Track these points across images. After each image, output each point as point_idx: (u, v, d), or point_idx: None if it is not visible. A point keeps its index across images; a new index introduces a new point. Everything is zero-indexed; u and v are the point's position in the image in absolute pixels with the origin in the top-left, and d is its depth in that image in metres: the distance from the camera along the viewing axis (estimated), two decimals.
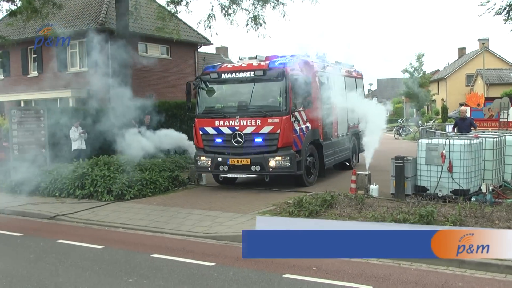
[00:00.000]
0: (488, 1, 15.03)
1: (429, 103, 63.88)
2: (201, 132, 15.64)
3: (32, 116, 18.75)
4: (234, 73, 15.39)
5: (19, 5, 19.33)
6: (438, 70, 78.57)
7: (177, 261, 9.16)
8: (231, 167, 15.16)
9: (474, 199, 12.07)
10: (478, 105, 23.30)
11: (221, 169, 15.38)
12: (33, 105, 29.25)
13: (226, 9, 20.16)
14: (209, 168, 15.61)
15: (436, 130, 23.09)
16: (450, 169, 12.40)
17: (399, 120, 50.13)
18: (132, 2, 21.82)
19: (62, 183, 15.85)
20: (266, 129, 14.86)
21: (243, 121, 14.99)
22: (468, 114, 20.06)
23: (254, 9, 20.27)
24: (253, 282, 7.93)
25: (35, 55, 33.00)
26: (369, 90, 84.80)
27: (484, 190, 12.68)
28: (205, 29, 20.70)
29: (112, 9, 28.10)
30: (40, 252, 10.20)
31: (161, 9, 21.85)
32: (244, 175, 15.83)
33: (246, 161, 14.92)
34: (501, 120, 21.96)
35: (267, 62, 15.43)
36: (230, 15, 20.25)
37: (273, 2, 19.90)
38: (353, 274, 8.22)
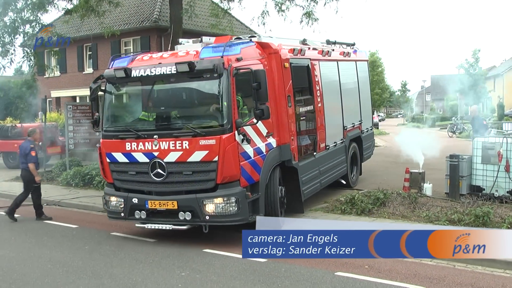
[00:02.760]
0: None
1: (484, 100, 62.11)
2: (108, 160, 10.33)
3: (87, 111, 19.19)
4: (149, 69, 9.83)
5: (75, 3, 19.79)
6: (494, 66, 76.27)
7: (228, 256, 9.21)
8: (151, 213, 10.06)
9: None
10: None
11: (137, 216, 10.12)
12: (88, 101, 29.97)
13: (279, 5, 20.09)
14: (122, 214, 10.33)
15: (492, 128, 22.44)
16: (507, 169, 12.00)
17: (453, 118, 48.95)
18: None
19: None
20: (198, 156, 9.47)
21: (165, 143, 9.65)
22: (477, 113, 18.34)
23: (308, 5, 20.12)
24: (305, 279, 7.89)
25: (91, 52, 33.89)
26: (422, 86, 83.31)
27: None
28: (258, 25, 20.73)
29: (166, 7, 28.48)
30: (95, 243, 10.47)
31: (215, 6, 21.99)
32: (167, 227, 9.95)
33: (171, 204, 9.76)
34: None
35: (199, 50, 10.20)
36: (284, 11, 20.14)
37: None
38: (406, 274, 8.06)
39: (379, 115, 66.96)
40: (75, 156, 20.94)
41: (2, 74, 22.61)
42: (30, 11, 19.70)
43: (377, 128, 40.89)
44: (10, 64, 21.68)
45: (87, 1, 18.62)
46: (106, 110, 10.65)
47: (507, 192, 12.03)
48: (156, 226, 10.04)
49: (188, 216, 9.70)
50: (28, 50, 20.80)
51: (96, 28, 27.89)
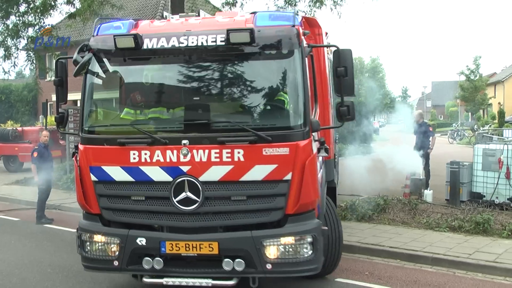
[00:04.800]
0: None
1: (485, 107, 62.19)
2: (94, 178, 6.70)
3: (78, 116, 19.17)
4: (177, 39, 6.45)
5: (78, 7, 19.85)
6: (495, 73, 76.38)
7: None
8: (171, 260, 6.59)
9: None
10: None
11: (146, 266, 6.55)
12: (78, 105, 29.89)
13: (282, 10, 20.14)
14: (116, 262, 6.68)
15: (493, 135, 22.43)
16: (508, 176, 12.01)
17: (454, 124, 49.01)
18: (188, 4, 22.08)
19: None
20: (259, 173, 6.26)
21: (201, 152, 6.30)
22: (421, 119, 15.71)
23: (310, 11, 20.16)
24: (304, 286, 7.88)
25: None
26: (423, 93, 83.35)
27: None
28: None
29: (167, 10, 28.59)
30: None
31: (216, 10, 22.04)
32: (202, 283, 6.47)
33: (208, 246, 6.37)
34: None
35: (250, 17, 6.75)
36: None
37: (331, 2, 19.66)
38: (407, 281, 8.05)
39: (379, 121, 67.06)
40: None
41: (3, 77, 22.69)
42: (33, 14, 19.75)
43: (377, 134, 40.91)
44: (14, 67, 21.73)
45: (90, 4, 18.68)
46: (89, 100, 6.89)
47: (508, 199, 12.03)
48: (182, 282, 6.52)
49: (238, 265, 6.28)
50: (32, 53, 20.85)
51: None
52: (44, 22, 20.12)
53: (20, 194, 17.02)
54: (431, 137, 15.11)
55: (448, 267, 8.61)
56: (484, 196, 12.42)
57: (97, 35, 6.89)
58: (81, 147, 6.78)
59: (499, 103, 58.59)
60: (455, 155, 16.78)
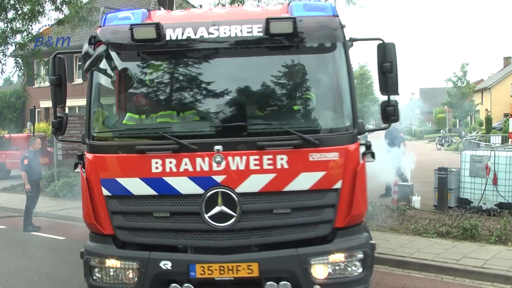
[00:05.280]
0: None
1: (472, 113, 62.70)
2: (106, 192, 5.64)
3: (76, 122, 19.15)
4: (206, 29, 5.57)
5: (66, 14, 19.80)
6: (482, 80, 77.06)
7: None
8: (201, 285, 5.59)
9: None
10: None
11: None
12: (77, 111, 29.92)
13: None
14: None
15: (480, 141, 22.60)
16: (495, 182, 12.08)
17: (441, 131, 49.32)
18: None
19: None
20: (305, 181, 5.49)
21: (238, 159, 5.41)
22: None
23: None
24: None
25: (80, 63, 33.85)
26: (410, 99, 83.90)
27: None
28: None
29: None
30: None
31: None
32: None
33: (246, 268, 5.45)
34: None
35: (283, 7, 6.18)
36: None
37: None
38: (395, 287, 8.07)
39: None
40: (63, 167, 20.85)
41: None
42: (21, 21, 19.68)
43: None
44: (1, 74, 21.64)
45: (77, 11, 18.66)
46: (97, 102, 5.87)
47: (495, 205, 12.10)
48: None
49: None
50: (19, 60, 20.75)
51: (86, 39, 27.87)
52: (32, 29, 20.07)
53: (7, 202, 16.91)
54: (402, 143, 15.26)
55: (436, 273, 8.63)
56: (472, 202, 12.48)
57: (104, 25, 5.84)
58: (89, 156, 5.66)
59: (486, 109, 59.16)
60: (443, 161, 16.86)
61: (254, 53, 5.76)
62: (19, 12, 19.58)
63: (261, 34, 5.45)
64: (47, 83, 34.47)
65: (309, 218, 5.50)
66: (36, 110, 32.67)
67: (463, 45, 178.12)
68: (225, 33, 5.52)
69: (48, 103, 35.94)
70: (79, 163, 5.96)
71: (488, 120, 44.57)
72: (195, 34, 5.53)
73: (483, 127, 46.58)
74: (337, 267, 5.50)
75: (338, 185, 5.46)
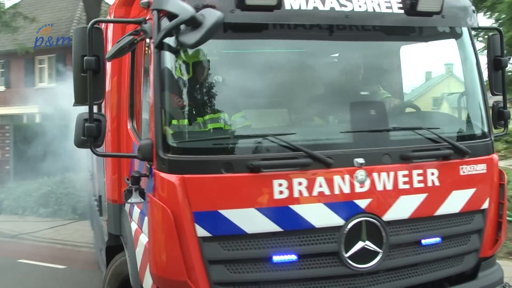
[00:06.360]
0: None
1: None
2: (204, 233, 3.77)
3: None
4: (333, 2, 4.00)
5: None
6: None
7: None
8: None
9: None
10: None
11: None
12: None
13: None
14: None
15: None
16: None
17: None
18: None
19: (26, 201, 15.50)
20: (457, 202, 4.36)
21: (384, 176, 4.07)
22: None
23: None
24: None
25: (3, 69, 32.63)
26: None
27: None
28: None
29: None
30: (0, 271, 9.96)
31: None
32: None
33: None
34: None
35: None
36: None
37: None
38: None
39: None
40: None
41: None
42: None
43: None
44: None
45: (0, 16, 18.07)
46: (170, 96, 3.96)
47: None
48: None
49: None
50: None
51: (9, 45, 26.97)
52: None
53: None
54: None
55: None
56: None
57: None
58: (170, 178, 3.79)
59: None
60: None
61: (391, 35, 4.55)
62: None
63: (401, 11, 4.18)
64: None
65: (456, 248, 4.40)
66: None
67: None
68: (360, 6, 4.08)
69: None
70: (139, 188, 4.10)
71: None
72: (324, 5, 4.01)
73: None
74: None
75: (485, 204, 4.49)
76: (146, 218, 4.08)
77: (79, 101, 3.95)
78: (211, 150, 3.96)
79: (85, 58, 3.81)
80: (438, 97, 5.01)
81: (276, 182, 3.80)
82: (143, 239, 4.18)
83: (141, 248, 4.23)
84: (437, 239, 4.29)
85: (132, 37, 4.33)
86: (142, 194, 4.08)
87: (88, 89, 3.84)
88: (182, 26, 3.68)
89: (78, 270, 9.92)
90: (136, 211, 4.58)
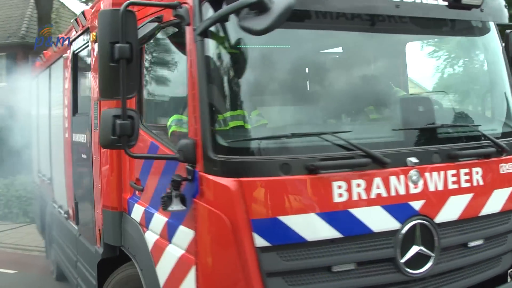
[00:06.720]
0: None
1: None
2: (262, 242, 3.39)
3: None
4: None
5: None
6: None
7: None
8: None
9: None
10: None
11: None
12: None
13: None
14: None
15: None
16: None
17: None
18: (53, 15, 21.40)
19: None
20: (498, 201, 4.28)
21: (435, 176, 3.90)
22: None
23: None
24: None
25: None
26: None
27: None
28: None
29: (34, 23, 27.45)
30: None
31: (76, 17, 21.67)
32: None
33: None
34: None
35: None
36: None
37: None
38: None
39: None
40: None
41: None
42: None
43: None
44: None
45: None
46: (216, 89, 3.59)
47: None
48: None
49: None
50: None
51: None
52: None
53: None
54: None
55: None
56: None
57: None
58: (224, 182, 3.40)
59: None
60: None
61: (432, 29, 4.43)
62: None
63: (445, 4, 4.07)
64: None
65: (496, 249, 4.28)
66: None
67: None
68: None
69: None
70: (180, 194, 3.61)
71: None
72: None
73: None
74: None
75: None
76: (181, 227, 3.73)
77: (107, 95, 3.56)
78: (268, 150, 3.56)
79: (116, 45, 3.37)
80: (468, 93, 5.00)
81: (335, 184, 3.53)
82: (175, 251, 3.80)
83: (171, 261, 3.83)
84: (481, 241, 4.15)
85: (156, 24, 3.95)
86: (183, 200, 3.60)
87: (121, 80, 3.40)
88: (244, 11, 3.23)
89: (30, 275, 9.67)
90: (157, 219, 4.11)
